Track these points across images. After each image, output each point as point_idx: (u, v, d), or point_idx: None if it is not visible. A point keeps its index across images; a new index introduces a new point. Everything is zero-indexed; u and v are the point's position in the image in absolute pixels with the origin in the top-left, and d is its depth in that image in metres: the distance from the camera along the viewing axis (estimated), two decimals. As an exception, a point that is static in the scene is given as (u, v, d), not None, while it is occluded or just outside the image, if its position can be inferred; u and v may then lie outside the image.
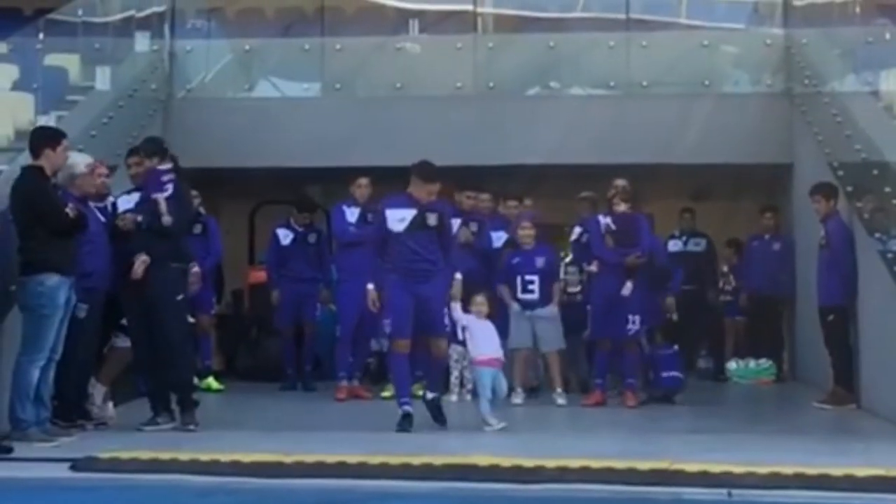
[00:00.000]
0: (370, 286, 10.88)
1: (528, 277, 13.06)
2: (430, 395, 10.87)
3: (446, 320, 11.01)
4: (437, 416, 10.80)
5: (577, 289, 13.72)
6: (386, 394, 12.64)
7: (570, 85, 16.25)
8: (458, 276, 10.89)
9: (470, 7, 16.37)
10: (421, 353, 11.05)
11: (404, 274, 10.63)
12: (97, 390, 10.66)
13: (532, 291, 13.04)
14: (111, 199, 10.82)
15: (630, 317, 12.48)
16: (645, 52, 15.73)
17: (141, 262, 10.39)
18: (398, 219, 10.69)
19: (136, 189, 10.88)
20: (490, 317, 11.23)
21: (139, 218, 10.51)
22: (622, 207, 12.74)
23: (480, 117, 15.13)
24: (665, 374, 12.86)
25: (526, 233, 13.23)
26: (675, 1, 16.86)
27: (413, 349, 10.83)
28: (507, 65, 16.04)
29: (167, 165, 10.71)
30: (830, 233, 12.33)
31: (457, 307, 10.93)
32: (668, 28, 16.40)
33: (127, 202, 10.78)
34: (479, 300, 11.15)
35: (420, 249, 10.63)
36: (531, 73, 16.19)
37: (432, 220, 10.70)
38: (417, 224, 10.67)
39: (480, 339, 10.95)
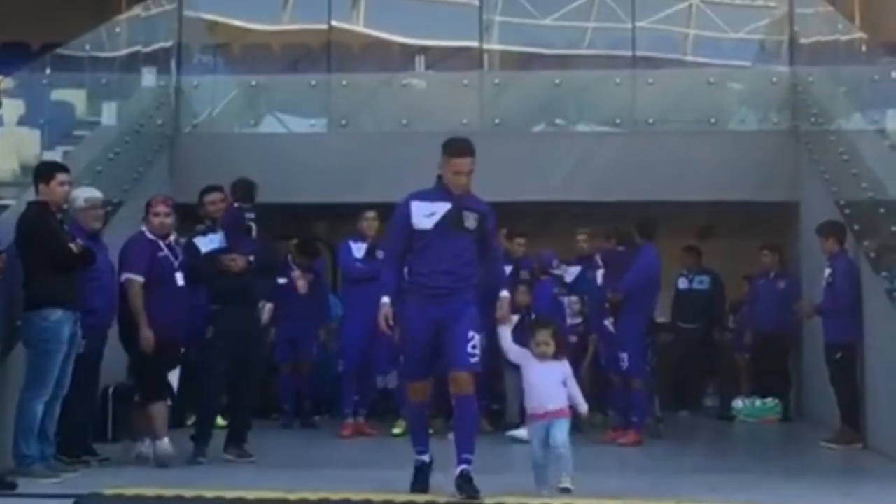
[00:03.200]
0: (385, 300, 8.52)
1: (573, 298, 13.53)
2: (460, 468, 8.34)
3: (477, 348, 8.46)
4: (465, 486, 8.31)
5: (578, 320, 13.74)
6: (396, 430, 12.59)
7: (576, 122, 16.28)
8: (505, 293, 8.72)
9: (476, 44, 16.42)
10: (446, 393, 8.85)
11: (423, 293, 8.48)
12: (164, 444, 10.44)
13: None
14: (175, 237, 10.86)
15: (620, 354, 12.46)
16: (651, 89, 15.78)
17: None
18: (426, 213, 8.54)
19: (210, 229, 11.05)
20: (557, 356, 8.87)
21: (251, 258, 10.84)
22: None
23: (486, 154, 14.90)
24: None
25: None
26: (681, 38, 16.89)
27: (439, 388, 9.13)
28: (513, 101, 16.07)
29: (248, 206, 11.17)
30: (836, 271, 12.31)
31: (507, 334, 8.74)
32: (674, 65, 16.45)
33: (210, 242, 10.92)
34: (543, 337, 8.79)
35: (450, 256, 8.47)
36: (537, 110, 16.22)
37: (471, 221, 8.56)
38: (451, 222, 8.52)
39: (539, 385, 8.74)
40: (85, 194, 10.55)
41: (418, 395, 8.74)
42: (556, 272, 13.47)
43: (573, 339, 13.31)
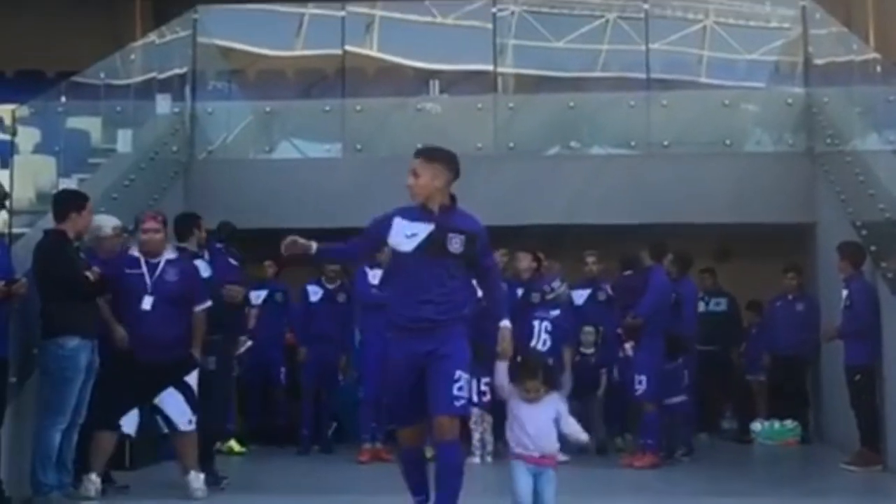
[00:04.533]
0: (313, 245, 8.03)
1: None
2: None
3: (464, 390, 7.52)
4: None
5: (591, 350, 13.75)
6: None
7: (590, 144, 16.27)
8: (507, 323, 7.71)
9: (490, 67, 16.43)
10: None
11: (405, 327, 7.57)
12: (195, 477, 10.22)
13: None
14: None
15: (636, 377, 12.43)
16: (665, 111, 15.76)
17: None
18: (408, 233, 7.60)
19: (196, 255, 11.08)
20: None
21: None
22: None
23: (501, 177, 15.10)
24: (673, 401, 12.79)
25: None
26: (695, 60, 16.90)
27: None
28: (528, 125, 16.06)
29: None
30: (853, 293, 12.26)
31: (503, 369, 7.80)
32: (688, 87, 16.44)
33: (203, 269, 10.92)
34: (532, 385, 7.78)
35: (433, 285, 7.48)
36: (551, 133, 16.21)
37: (455, 244, 7.55)
38: (433, 246, 7.52)
39: (527, 425, 7.77)
40: (111, 222, 10.55)
41: (409, 441, 7.77)
42: (549, 296, 13.37)
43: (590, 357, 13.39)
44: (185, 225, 11.10)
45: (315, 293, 14.19)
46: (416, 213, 7.64)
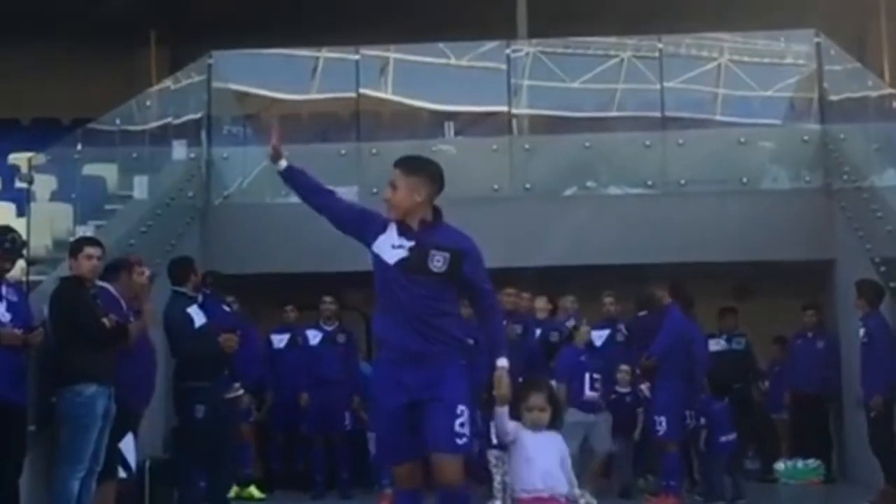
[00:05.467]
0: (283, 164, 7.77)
1: (595, 375, 12.91)
2: None
3: (466, 427, 6.59)
4: None
5: (627, 389, 13.61)
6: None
7: (606, 184, 16.26)
8: (503, 362, 6.79)
9: (505, 108, 16.43)
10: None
11: (391, 352, 6.79)
12: None
13: (598, 390, 12.91)
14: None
15: (656, 418, 12.35)
16: (681, 150, 15.76)
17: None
18: (394, 243, 6.83)
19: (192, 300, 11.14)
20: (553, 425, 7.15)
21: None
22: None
23: (518, 219, 15.08)
24: (723, 439, 12.65)
25: (586, 331, 13.15)
26: (710, 98, 16.89)
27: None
28: (544, 165, 16.07)
29: None
30: (871, 330, 12.17)
31: (504, 414, 6.91)
32: (704, 125, 16.45)
33: (199, 316, 10.94)
34: (537, 401, 7.04)
35: (417, 308, 6.66)
36: (568, 174, 16.21)
37: (438, 262, 6.71)
38: (413, 263, 6.73)
39: (538, 460, 6.93)
40: (146, 272, 10.54)
41: (406, 482, 6.74)
42: (553, 340, 13.31)
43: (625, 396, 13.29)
44: (180, 269, 11.10)
45: (314, 336, 14.15)
46: (403, 227, 6.84)
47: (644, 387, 12.72)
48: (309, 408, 14.04)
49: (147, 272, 10.30)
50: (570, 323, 13.54)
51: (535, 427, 6.94)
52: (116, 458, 9.98)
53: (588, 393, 12.78)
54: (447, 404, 6.52)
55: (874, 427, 12.10)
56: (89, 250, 9.75)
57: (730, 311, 16.02)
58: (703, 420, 12.63)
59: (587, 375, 12.81)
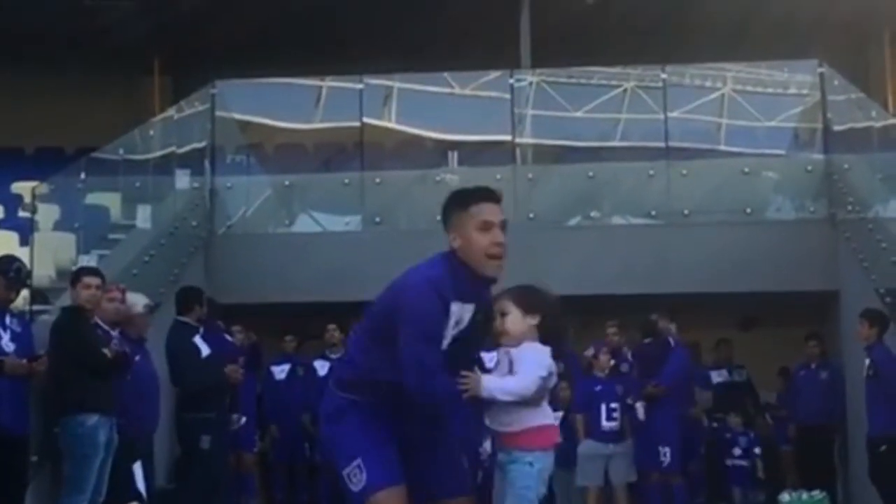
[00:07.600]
0: None
1: (612, 405, 12.88)
2: None
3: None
4: None
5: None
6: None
7: (610, 214, 16.22)
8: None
9: (509, 138, 16.42)
10: None
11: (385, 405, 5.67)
12: None
13: (616, 419, 12.87)
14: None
15: (661, 448, 12.30)
16: (685, 180, 15.73)
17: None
18: (456, 319, 5.61)
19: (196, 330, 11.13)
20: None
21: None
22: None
23: (521, 249, 14.86)
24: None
25: (606, 360, 13.14)
26: (714, 128, 16.89)
27: None
28: (547, 195, 16.04)
29: None
30: (876, 362, 12.10)
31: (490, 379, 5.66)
32: (707, 155, 16.45)
33: (204, 346, 10.94)
34: (499, 307, 5.88)
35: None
36: (571, 203, 16.18)
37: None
38: (476, 332, 5.69)
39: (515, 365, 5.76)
40: (143, 300, 10.53)
41: None
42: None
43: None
44: (187, 299, 11.08)
45: (322, 367, 14.07)
46: (463, 284, 5.77)
47: (639, 405, 12.61)
48: (316, 436, 14.00)
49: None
50: (590, 352, 13.53)
51: (507, 342, 5.81)
52: (130, 486, 9.95)
53: (605, 423, 12.75)
54: (451, 447, 5.85)
55: (881, 463, 12.00)
56: (87, 280, 9.71)
57: (725, 343, 16.02)
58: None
59: (603, 406, 12.79)
